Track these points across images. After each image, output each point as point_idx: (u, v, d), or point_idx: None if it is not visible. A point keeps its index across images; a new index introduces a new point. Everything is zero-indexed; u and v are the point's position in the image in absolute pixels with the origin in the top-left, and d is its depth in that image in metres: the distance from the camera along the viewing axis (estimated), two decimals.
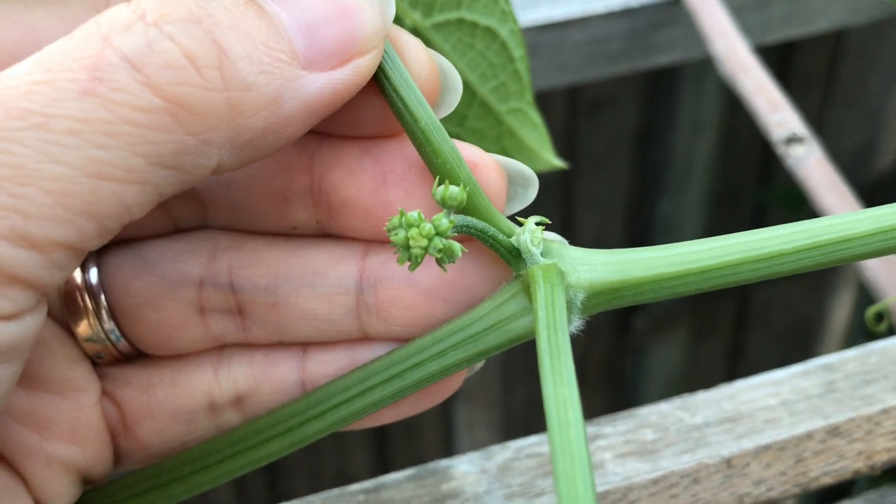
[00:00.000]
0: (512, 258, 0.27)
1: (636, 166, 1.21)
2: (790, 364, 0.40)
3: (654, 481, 0.35)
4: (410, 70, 0.27)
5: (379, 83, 0.26)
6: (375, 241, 0.29)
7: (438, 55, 0.28)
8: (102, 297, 0.29)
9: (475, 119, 0.36)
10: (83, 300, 0.29)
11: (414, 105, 0.26)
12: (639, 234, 1.27)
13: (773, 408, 0.37)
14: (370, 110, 0.28)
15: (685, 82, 1.11)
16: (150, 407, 0.29)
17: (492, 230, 0.27)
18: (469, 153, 0.27)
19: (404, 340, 0.29)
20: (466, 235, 0.27)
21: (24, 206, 0.22)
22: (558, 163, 0.39)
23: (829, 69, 1.14)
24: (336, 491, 0.35)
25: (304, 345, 0.30)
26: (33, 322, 0.24)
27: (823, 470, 0.36)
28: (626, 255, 0.27)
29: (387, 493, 0.35)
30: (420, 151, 0.26)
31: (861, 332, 1.26)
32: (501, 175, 0.28)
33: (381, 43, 0.26)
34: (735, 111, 1.17)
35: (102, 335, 0.29)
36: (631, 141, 1.18)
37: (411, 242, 0.25)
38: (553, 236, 0.28)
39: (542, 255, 0.27)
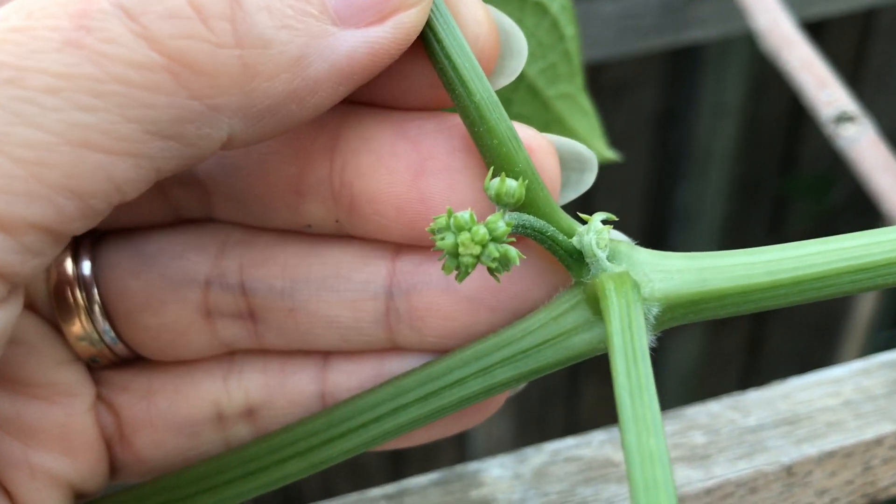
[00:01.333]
0: (573, 262, 0.23)
1: (656, 151, 1.19)
2: (812, 360, 0.36)
3: (708, 491, 0.31)
4: (465, 31, 0.23)
5: (426, 45, 0.22)
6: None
7: (499, 12, 0.24)
8: (96, 292, 0.25)
9: (521, 104, 0.33)
10: (74, 296, 0.25)
11: (469, 74, 0.22)
12: (658, 220, 1.24)
13: (834, 409, 0.34)
14: (414, 77, 0.23)
15: (707, 66, 1.08)
16: (149, 415, 0.26)
17: (551, 230, 0.23)
18: (523, 134, 0.23)
19: (441, 352, 0.25)
20: (519, 235, 0.23)
21: None
22: (611, 154, 0.35)
23: (857, 51, 1.11)
24: (354, 496, 0.32)
25: (326, 353, 0.26)
26: (4, 316, 0.20)
27: (894, 479, 0.32)
28: (706, 262, 0.23)
29: (410, 499, 0.32)
30: (471, 131, 0.22)
31: (885, 326, 1.22)
32: (556, 160, 0.24)
33: None
34: (758, 95, 1.15)
35: (96, 336, 0.25)
36: (651, 125, 1.15)
37: (461, 249, 0.21)
38: (619, 235, 0.24)
39: (608, 259, 0.23)
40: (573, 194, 0.25)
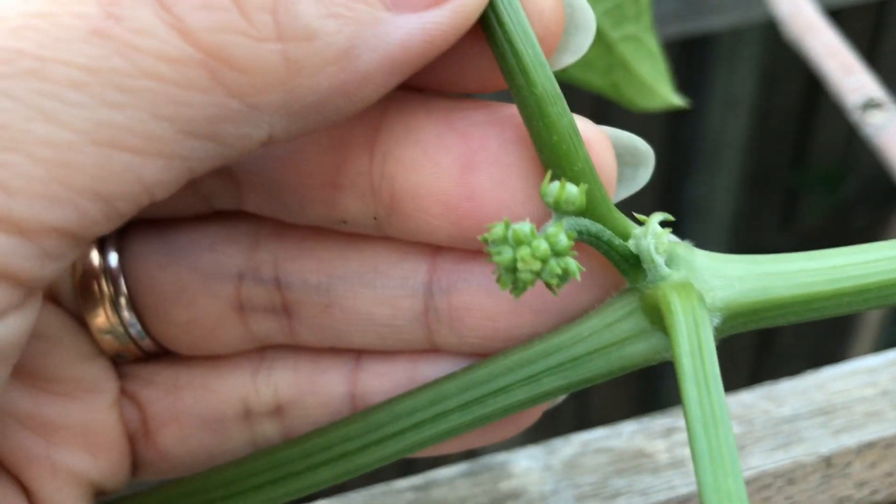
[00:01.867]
0: (628, 267, 0.22)
1: (667, 145, 1.18)
2: (824, 353, 0.35)
3: (746, 482, 0.30)
4: (528, 7, 0.21)
5: (484, 25, 0.21)
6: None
7: None
8: (123, 285, 0.24)
9: None
10: (100, 288, 0.24)
11: (531, 62, 0.20)
12: (669, 213, 1.23)
13: (871, 399, 0.33)
14: (468, 61, 0.22)
15: (718, 59, 1.08)
16: (175, 411, 0.25)
17: (608, 234, 0.21)
18: (580, 127, 0.22)
19: (482, 355, 0.24)
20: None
21: (6, 178, 0.17)
22: (677, 100, 0.33)
23: (870, 41, 1.10)
24: (381, 487, 0.31)
25: (359, 352, 0.25)
26: (21, 322, 0.19)
27: None
28: (768, 267, 0.22)
29: (438, 490, 0.31)
30: (528, 124, 0.21)
31: None
32: (613, 155, 0.22)
33: None
34: (769, 88, 1.14)
35: (122, 330, 0.24)
36: (662, 118, 1.14)
37: (520, 265, 0.19)
38: (674, 238, 0.23)
39: (666, 264, 0.22)
40: (627, 192, 0.24)
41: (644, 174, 0.23)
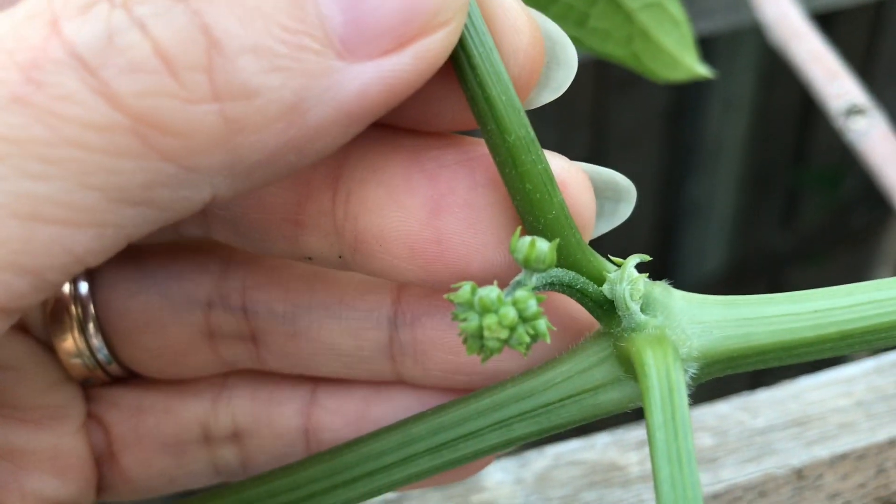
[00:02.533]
0: (602, 312, 0.21)
1: (666, 145, 1.18)
2: (828, 360, 0.35)
3: (716, 495, 0.30)
4: (503, 42, 0.19)
5: (455, 64, 0.19)
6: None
7: (543, 17, 0.21)
8: (92, 309, 0.24)
9: (600, 18, 0.29)
10: (70, 315, 0.24)
11: (504, 108, 0.19)
12: (669, 215, 1.23)
13: (846, 410, 0.33)
14: (437, 99, 0.20)
15: (717, 59, 1.07)
16: (137, 434, 0.25)
17: (580, 282, 0.21)
18: (555, 165, 0.21)
19: (446, 388, 0.23)
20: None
21: None
22: (702, 70, 0.31)
23: (868, 43, 1.10)
24: None
25: (316, 383, 0.25)
26: None
27: None
28: (747, 311, 0.21)
29: None
30: (501, 171, 0.20)
31: None
32: (591, 195, 0.22)
33: (459, 13, 0.18)
34: (768, 88, 1.14)
35: (89, 354, 0.24)
36: (661, 119, 1.14)
37: (487, 333, 0.19)
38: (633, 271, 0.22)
39: (642, 309, 0.21)
40: (607, 226, 0.23)
41: (625, 209, 0.23)
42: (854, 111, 0.48)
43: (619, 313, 0.21)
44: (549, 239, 0.20)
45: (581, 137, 1.09)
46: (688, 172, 1.21)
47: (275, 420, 0.25)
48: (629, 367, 0.21)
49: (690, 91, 1.12)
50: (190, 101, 0.17)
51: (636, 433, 0.33)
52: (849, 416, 0.32)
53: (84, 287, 0.24)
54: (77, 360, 0.24)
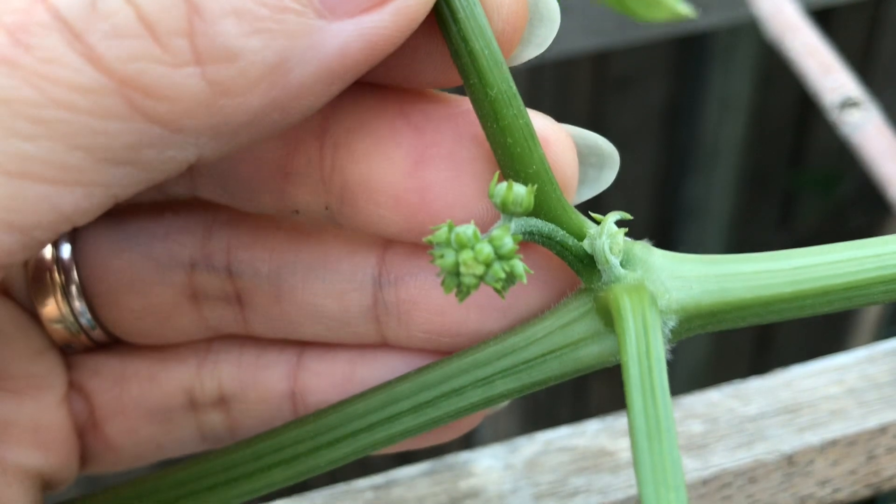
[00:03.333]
0: (583, 267, 0.21)
1: (663, 145, 1.18)
2: (821, 353, 0.35)
3: (705, 481, 0.30)
4: (486, 1, 0.20)
5: (438, 18, 0.19)
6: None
7: None
8: (75, 274, 0.24)
9: None
10: (52, 278, 0.24)
11: (487, 62, 0.19)
12: (665, 215, 1.23)
13: (837, 397, 0.33)
14: (422, 55, 0.21)
15: (714, 59, 1.07)
16: (122, 402, 0.25)
17: (560, 235, 0.21)
18: (539, 124, 0.21)
19: (430, 351, 0.23)
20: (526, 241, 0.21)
21: None
22: (684, 8, 0.31)
23: (866, 43, 1.10)
24: (341, 487, 0.31)
25: (301, 348, 0.25)
26: None
27: None
28: (726, 268, 0.21)
29: (398, 490, 0.31)
30: (484, 124, 0.20)
31: (894, 319, 1.21)
32: (574, 154, 0.22)
33: None
34: (766, 88, 1.14)
35: (72, 318, 0.24)
36: (658, 119, 1.14)
37: (463, 269, 0.19)
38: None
39: (622, 264, 0.21)
40: (590, 192, 0.23)
41: (608, 175, 0.23)
42: (848, 104, 0.48)
43: (600, 267, 0.21)
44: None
45: None
46: (685, 173, 1.21)
47: (261, 384, 0.24)
48: (609, 321, 0.21)
49: (688, 92, 1.12)
50: (173, 65, 0.17)
51: (626, 420, 0.33)
52: (840, 404, 0.32)
53: (66, 250, 0.24)
54: (59, 326, 0.24)
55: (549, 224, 0.21)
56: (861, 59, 1.10)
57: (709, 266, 0.21)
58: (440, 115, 0.21)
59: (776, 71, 1.09)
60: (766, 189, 1.26)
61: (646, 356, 0.20)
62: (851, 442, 0.31)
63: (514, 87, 0.20)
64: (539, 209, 0.21)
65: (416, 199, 0.21)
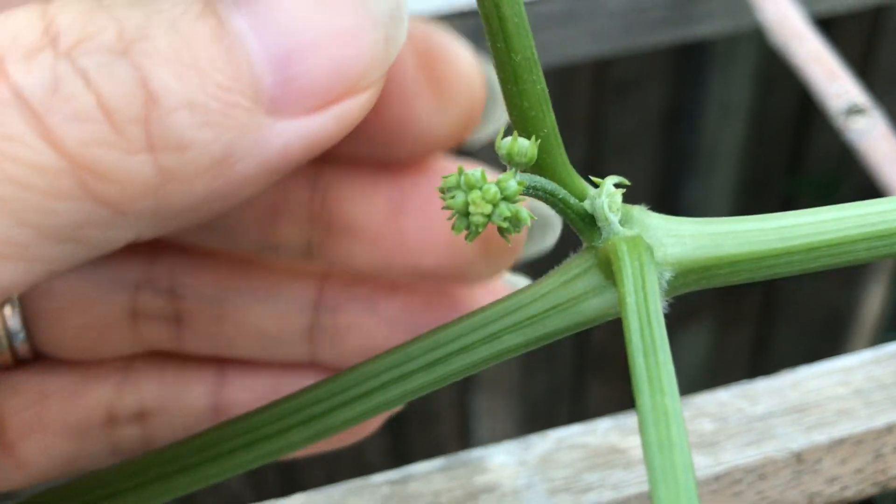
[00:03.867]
0: (584, 226, 0.23)
1: (663, 150, 1.18)
2: (819, 358, 0.36)
3: (717, 477, 0.31)
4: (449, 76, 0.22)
5: None
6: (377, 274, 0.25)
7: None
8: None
9: None
10: None
11: (515, 28, 0.21)
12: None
13: (844, 398, 0.33)
14: (378, 129, 0.23)
15: (714, 63, 1.08)
16: (41, 421, 0.24)
17: (563, 192, 0.22)
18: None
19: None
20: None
21: None
22: None
23: (866, 50, 1.11)
24: (358, 482, 0.32)
25: (223, 363, 0.26)
26: None
27: None
28: (719, 227, 0.23)
29: (414, 484, 0.31)
30: (503, 86, 0.22)
31: (894, 326, 1.22)
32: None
33: (381, 79, 0.20)
34: (765, 94, 1.14)
35: (3, 334, 0.24)
36: (658, 124, 1.15)
37: (472, 208, 0.20)
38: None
39: (620, 223, 0.23)
40: (536, 251, 0.26)
41: (552, 237, 0.26)
42: (854, 111, 0.49)
43: (600, 225, 0.22)
44: (543, 154, 0.22)
45: (577, 142, 1.09)
46: (684, 177, 1.22)
47: (183, 399, 0.25)
48: (609, 274, 0.22)
49: (687, 97, 1.13)
50: (128, 151, 0.17)
51: (636, 419, 0.33)
52: (847, 404, 0.33)
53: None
54: None
55: (552, 182, 0.22)
56: (861, 67, 1.11)
57: (702, 225, 0.23)
58: (416, 170, 0.24)
59: (776, 77, 1.10)
60: (765, 194, 1.27)
61: (641, 288, 0.21)
62: (859, 441, 0.32)
63: (536, 56, 0.21)
64: (544, 169, 0.22)
65: (393, 240, 0.24)
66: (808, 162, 1.24)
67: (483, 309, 0.24)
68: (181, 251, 0.25)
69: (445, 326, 0.24)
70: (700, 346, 1.29)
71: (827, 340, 1.29)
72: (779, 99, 1.17)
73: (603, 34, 0.69)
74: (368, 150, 0.23)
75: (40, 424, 0.24)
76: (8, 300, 0.19)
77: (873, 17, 1.07)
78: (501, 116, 0.24)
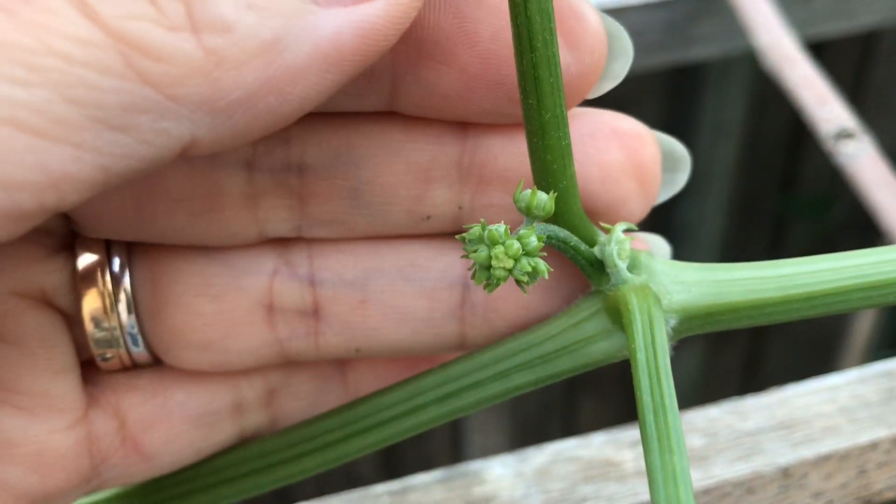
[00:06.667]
0: (593, 271, 0.24)
1: None
2: (810, 376, 0.37)
3: (706, 490, 0.32)
4: (570, 53, 0.22)
5: (516, 42, 0.21)
6: None
7: (605, 15, 0.23)
8: (127, 280, 0.23)
9: None
10: (103, 285, 0.23)
11: (549, 90, 0.21)
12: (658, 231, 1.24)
13: (830, 415, 0.35)
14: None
15: (708, 84, 1.09)
16: (165, 410, 0.24)
17: (574, 240, 0.23)
18: (623, 127, 0.23)
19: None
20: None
21: None
22: None
23: (858, 72, 1.12)
24: (359, 492, 0.33)
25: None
26: None
27: (888, 483, 0.33)
28: (722, 274, 0.24)
29: (414, 495, 0.32)
30: (530, 139, 0.22)
31: (884, 344, 1.23)
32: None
33: None
34: (759, 114, 1.15)
35: (117, 332, 0.23)
36: None
37: (494, 262, 0.21)
38: (665, 252, 0.25)
39: (628, 269, 0.24)
40: (666, 194, 0.25)
41: (682, 177, 0.25)
42: (844, 135, 0.50)
43: (608, 271, 0.23)
44: (559, 203, 0.22)
45: None
46: (678, 196, 1.22)
47: (311, 383, 0.26)
48: (617, 319, 0.23)
49: (681, 116, 1.14)
50: (169, 27, 0.17)
51: (630, 433, 0.34)
52: (833, 421, 0.34)
53: (116, 263, 0.24)
54: (102, 341, 0.24)
55: (565, 231, 0.23)
56: (853, 90, 1.12)
57: (706, 272, 0.24)
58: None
59: (769, 98, 1.11)
60: (757, 213, 1.28)
61: (651, 344, 0.22)
62: (843, 457, 0.33)
63: (566, 114, 0.22)
64: (560, 218, 0.23)
65: None
66: (800, 181, 1.26)
67: (494, 347, 0.24)
68: (320, 239, 0.24)
69: (457, 361, 0.25)
70: (692, 364, 1.30)
71: (818, 359, 1.30)
72: (772, 119, 1.18)
73: None
74: (508, 107, 0.23)
75: (165, 415, 0.24)
76: (60, 200, 0.17)
77: (864, 43, 1.08)
78: (622, 69, 0.23)
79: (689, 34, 0.70)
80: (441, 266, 0.24)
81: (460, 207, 0.24)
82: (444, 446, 1.19)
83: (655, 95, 1.10)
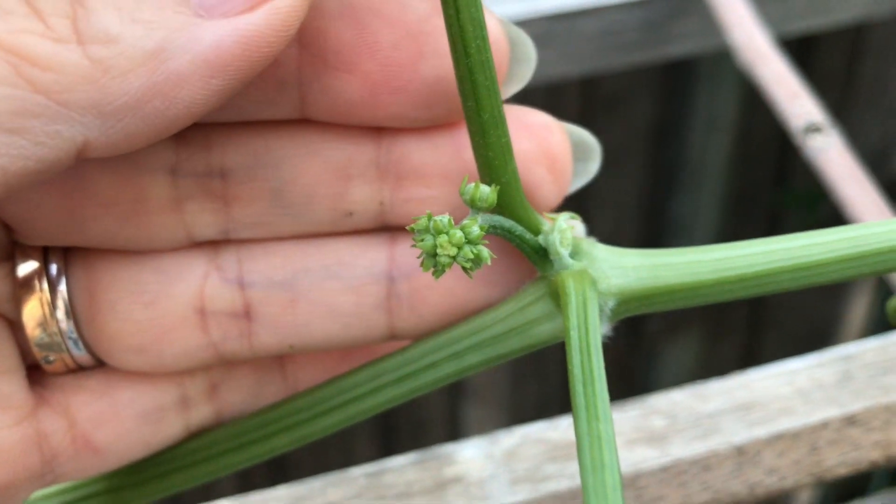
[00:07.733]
0: (538, 258, 0.25)
1: (650, 164, 1.20)
2: None
3: (664, 468, 0.34)
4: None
5: (453, 50, 0.22)
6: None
7: (507, 22, 0.24)
8: (63, 286, 0.24)
9: None
10: (41, 292, 0.24)
11: (485, 92, 0.23)
12: (652, 233, 1.26)
13: (787, 397, 0.36)
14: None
15: (701, 79, 1.10)
16: (113, 408, 0.25)
17: (519, 229, 0.25)
18: (533, 120, 0.25)
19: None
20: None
21: None
22: None
23: (848, 67, 1.13)
24: (337, 475, 0.34)
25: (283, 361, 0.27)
26: None
27: (838, 460, 0.35)
28: (659, 259, 0.25)
29: (389, 476, 0.34)
30: (473, 139, 0.24)
31: (877, 334, 1.24)
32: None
33: None
34: (751, 109, 1.16)
35: (58, 337, 0.24)
36: (645, 138, 1.17)
37: (439, 251, 0.22)
38: (581, 232, 0.26)
39: (570, 256, 0.25)
40: (579, 183, 0.26)
41: (593, 167, 0.26)
42: (812, 129, 0.52)
43: (552, 258, 0.25)
44: (503, 195, 0.24)
45: None
46: (672, 191, 1.24)
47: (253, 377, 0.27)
48: (560, 303, 0.25)
49: (675, 111, 1.15)
50: (56, 40, 0.19)
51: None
52: (788, 402, 0.36)
53: (53, 268, 0.25)
54: (45, 346, 0.24)
55: (510, 221, 0.25)
56: (843, 85, 1.14)
57: (645, 258, 0.25)
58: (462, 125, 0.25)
59: (760, 93, 1.12)
60: (751, 207, 1.29)
61: (584, 323, 0.24)
62: (796, 435, 0.34)
63: (504, 114, 0.23)
64: (505, 209, 0.24)
65: (460, 177, 0.25)
66: (793, 175, 1.27)
67: (449, 330, 0.26)
68: (248, 241, 0.25)
69: (414, 345, 0.26)
70: (688, 357, 1.32)
71: (814, 349, 1.31)
72: (764, 113, 1.19)
73: (579, 56, 0.71)
74: (413, 112, 0.24)
75: (114, 413, 0.25)
76: None
77: (854, 36, 1.09)
78: (526, 74, 0.25)
79: (666, 32, 0.72)
80: (366, 262, 0.25)
81: (382, 203, 0.25)
82: (442, 441, 1.20)
83: (648, 92, 1.11)
